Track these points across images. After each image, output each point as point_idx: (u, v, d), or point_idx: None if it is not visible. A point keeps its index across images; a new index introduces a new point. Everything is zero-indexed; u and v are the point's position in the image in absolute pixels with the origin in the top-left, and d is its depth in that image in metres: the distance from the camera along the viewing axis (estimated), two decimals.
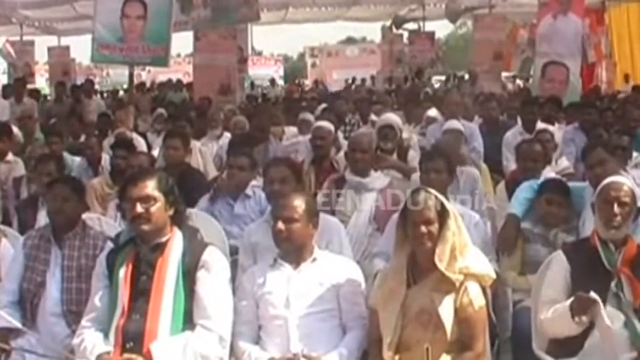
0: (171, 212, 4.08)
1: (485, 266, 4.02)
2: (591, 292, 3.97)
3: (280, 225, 4.16)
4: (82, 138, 9.98)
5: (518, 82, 25.22)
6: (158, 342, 3.87)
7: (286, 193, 4.61)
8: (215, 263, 4.08)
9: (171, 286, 3.96)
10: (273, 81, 29.41)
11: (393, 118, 7.89)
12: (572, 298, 4.03)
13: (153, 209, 4.00)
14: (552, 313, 4.14)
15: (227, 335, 4.02)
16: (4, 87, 15.51)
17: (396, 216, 4.31)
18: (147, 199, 4.00)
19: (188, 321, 3.98)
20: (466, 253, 3.95)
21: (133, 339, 3.89)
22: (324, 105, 12.13)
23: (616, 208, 4.20)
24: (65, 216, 4.72)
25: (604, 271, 4.16)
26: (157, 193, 4.03)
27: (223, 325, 4.01)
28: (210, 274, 4.03)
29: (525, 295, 4.97)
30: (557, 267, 4.31)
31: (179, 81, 21.23)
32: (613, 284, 4.12)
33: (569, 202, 5.27)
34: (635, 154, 7.13)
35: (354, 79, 27.56)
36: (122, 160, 7.00)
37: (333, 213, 5.69)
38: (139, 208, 3.98)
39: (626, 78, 20.14)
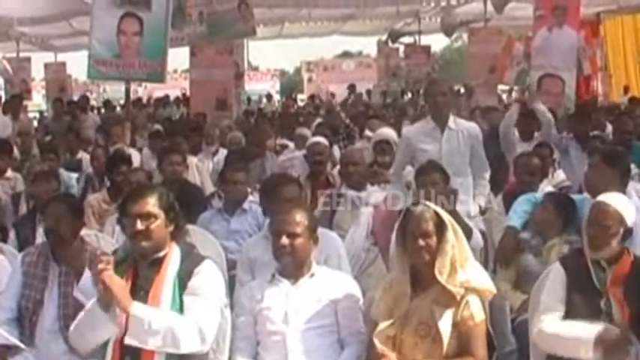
0: (171, 228, 4.08)
1: (486, 281, 4.02)
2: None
3: (284, 240, 4.16)
4: (80, 154, 10.02)
5: (515, 95, 25.22)
6: (138, 304, 3.85)
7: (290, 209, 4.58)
8: (209, 273, 4.06)
9: (168, 302, 3.95)
10: (269, 96, 29.38)
11: (388, 132, 7.92)
12: (599, 328, 3.95)
13: (153, 226, 3.99)
14: (558, 329, 4.07)
15: (208, 331, 3.93)
16: (5, 103, 15.49)
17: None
18: (147, 216, 3.99)
19: None
20: (467, 267, 3.95)
21: (131, 355, 3.88)
22: (319, 120, 12.19)
23: (597, 230, 4.17)
24: (60, 234, 4.72)
25: (594, 288, 4.14)
26: (157, 210, 4.02)
27: (206, 321, 3.93)
28: (202, 280, 4.00)
29: (521, 310, 4.98)
30: (555, 277, 4.27)
31: (166, 96, 21.41)
32: (602, 303, 4.09)
33: (565, 213, 5.26)
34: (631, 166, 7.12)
35: (350, 90, 27.49)
36: (120, 176, 6.99)
37: (330, 227, 5.69)
38: (139, 225, 3.97)
39: (626, 90, 20.17)
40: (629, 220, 4.23)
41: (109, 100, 21.97)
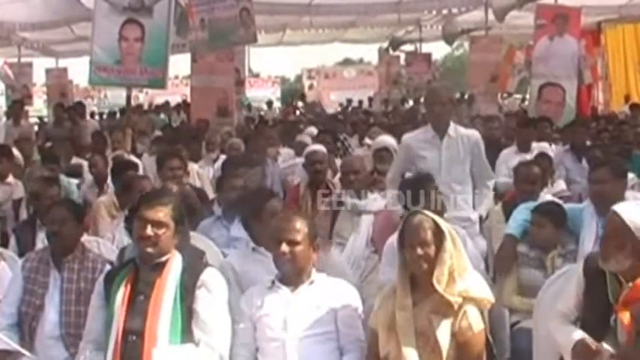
0: (176, 240, 4.12)
1: (485, 290, 4.01)
2: (602, 343, 3.78)
3: (284, 247, 4.16)
4: (74, 160, 10.01)
5: (510, 101, 25.20)
6: (160, 349, 3.89)
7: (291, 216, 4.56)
8: (214, 283, 4.12)
9: (169, 306, 3.98)
10: (270, 103, 29.39)
11: (388, 140, 7.92)
12: (578, 335, 3.87)
13: (162, 235, 4.04)
14: (559, 333, 4.03)
15: (226, 354, 4.06)
16: (7, 109, 15.48)
17: (391, 241, 4.31)
18: (159, 224, 4.04)
19: (186, 341, 4.00)
20: (466, 276, 3.94)
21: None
22: (312, 128, 12.19)
23: (603, 240, 3.92)
24: (63, 239, 4.74)
25: (608, 302, 3.86)
26: (169, 220, 4.08)
27: (224, 344, 4.05)
28: (210, 294, 4.07)
29: (523, 316, 4.98)
30: (575, 282, 4.10)
31: (166, 102, 21.42)
32: (612, 320, 3.83)
33: (560, 223, 5.24)
34: (631, 175, 7.11)
35: (349, 101, 27.57)
36: (126, 181, 6.95)
37: (330, 236, 5.70)
38: (150, 231, 4.01)
39: (626, 99, 20.16)
40: None
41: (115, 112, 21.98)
